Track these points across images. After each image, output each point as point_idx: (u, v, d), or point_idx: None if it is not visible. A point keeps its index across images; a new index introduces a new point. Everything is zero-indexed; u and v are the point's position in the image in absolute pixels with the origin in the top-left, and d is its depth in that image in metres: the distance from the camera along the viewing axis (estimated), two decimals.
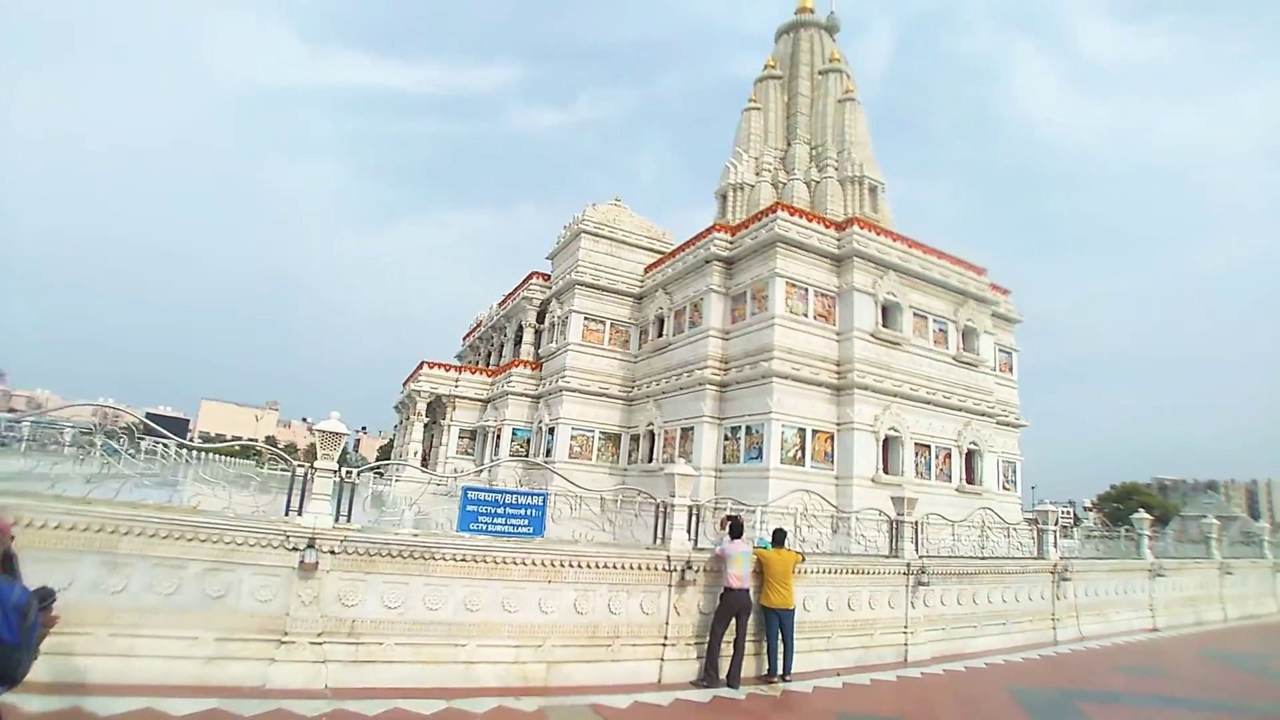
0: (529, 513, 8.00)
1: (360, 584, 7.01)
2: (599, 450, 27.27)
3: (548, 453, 27.15)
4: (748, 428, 21.77)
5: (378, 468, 15.15)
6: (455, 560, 7.35)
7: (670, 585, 8.47)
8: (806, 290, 22.75)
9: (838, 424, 21.99)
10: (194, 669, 6.30)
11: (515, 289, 35.31)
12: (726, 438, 22.75)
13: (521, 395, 29.82)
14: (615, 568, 8.17)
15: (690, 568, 8.54)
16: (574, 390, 27.14)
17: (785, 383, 21.26)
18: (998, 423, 26.02)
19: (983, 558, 12.18)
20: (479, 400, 32.57)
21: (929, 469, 22.73)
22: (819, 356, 22.33)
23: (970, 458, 23.94)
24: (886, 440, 21.98)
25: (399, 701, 6.41)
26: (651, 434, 25.84)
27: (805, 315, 22.54)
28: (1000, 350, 28.76)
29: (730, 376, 23.07)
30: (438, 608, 7.24)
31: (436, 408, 32.92)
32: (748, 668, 8.51)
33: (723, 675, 8.23)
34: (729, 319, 24.26)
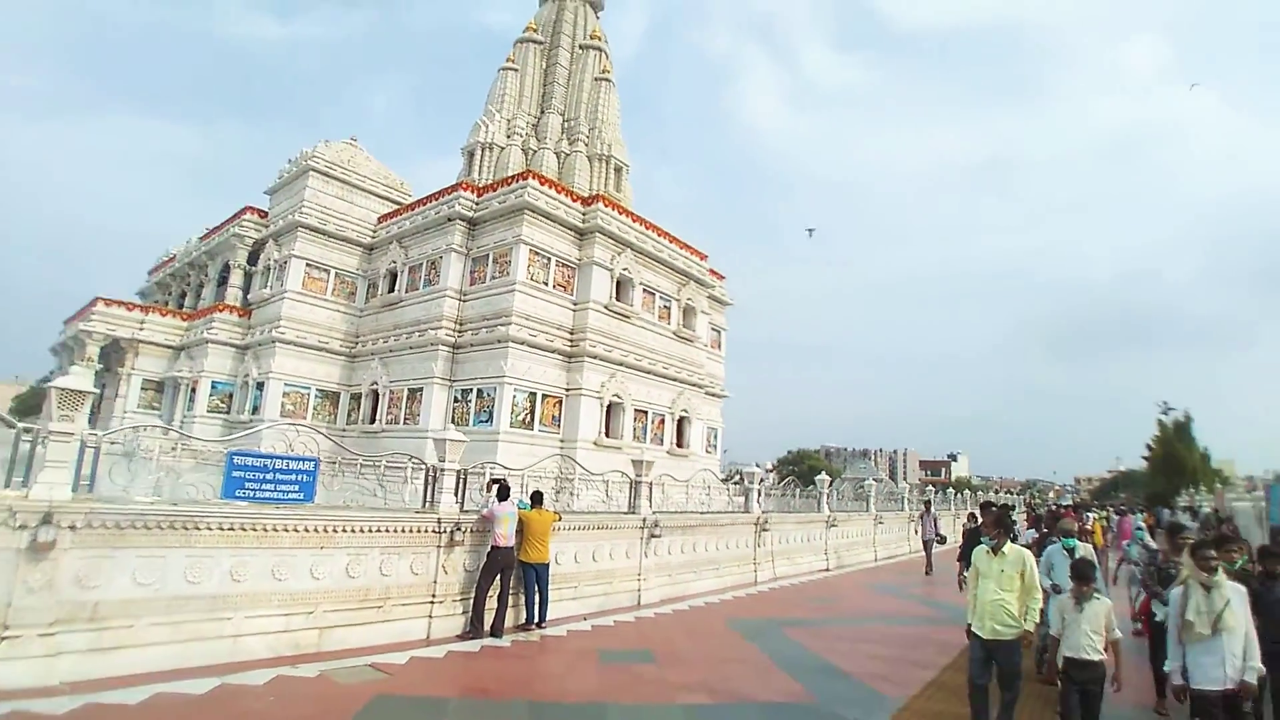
0: (299, 478, 7.75)
1: (106, 562, 6.30)
2: (315, 409, 25.40)
3: (254, 410, 24.65)
4: (480, 391, 21.85)
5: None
6: (222, 530, 6.94)
7: (440, 546, 8.79)
8: (549, 259, 23.29)
9: (567, 389, 22.99)
10: None
11: (223, 223, 31.00)
12: (457, 400, 22.63)
13: (225, 344, 26.56)
14: (388, 531, 8.29)
15: (459, 529, 8.93)
16: (289, 342, 24.91)
17: (521, 348, 21.68)
18: (706, 393, 29.13)
19: (702, 513, 13.93)
20: (169, 347, 28.24)
21: (645, 433, 24.76)
22: (555, 324, 23.07)
23: (681, 423, 26.51)
24: (610, 406, 23.50)
25: (162, 686, 6.00)
26: (376, 394, 24.73)
27: (546, 283, 23.09)
28: (713, 329, 32.05)
29: (465, 339, 22.91)
30: (200, 581, 6.80)
31: (113, 353, 27.98)
32: (507, 619, 9.10)
33: (487, 627, 8.78)
34: (468, 280, 23.97)
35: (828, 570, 17.62)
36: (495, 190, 24.39)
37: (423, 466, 9.42)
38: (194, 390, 26.06)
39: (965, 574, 7.62)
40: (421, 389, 22.99)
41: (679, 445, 26.04)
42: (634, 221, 25.76)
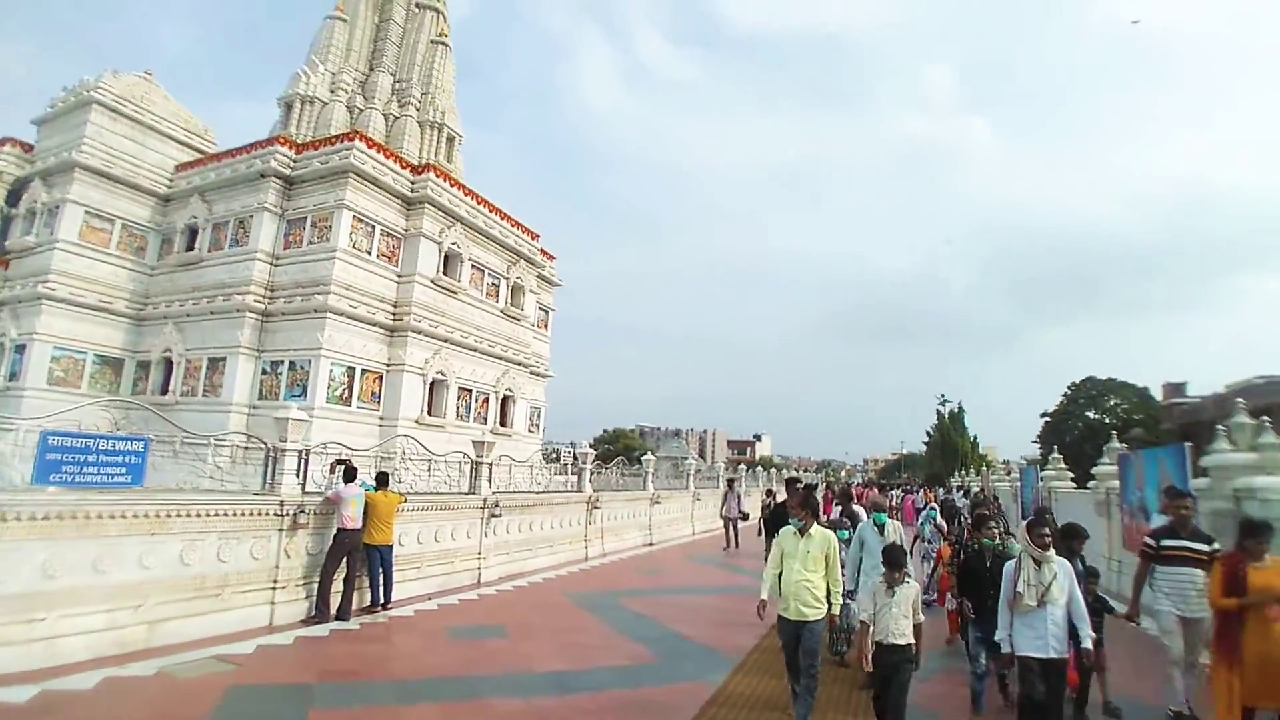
0: (127, 459, 7.24)
1: None
2: (93, 377, 22.40)
3: (12, 377, 21.36)
4: (293, 363, 20.58)
5: None
6: (34, 520, 6.29)
7: (282, 530, 8.53)
8: (374, 228, 22.33)
9: (388, 365, 22.29)
10: None
11: None
12: (265, 372, 21.13)
13: None
14: (227, 515, 7.93)
15: (303, 511, 8.71)
16: (61, 300, 21.73)
17: (340, 319, 20.69)
18: (531, 372, 29.36)
19: (538, 492, 14.42)
20: None
21: (469, 411, 24.62)
22: (378, 296, 22.22)
23: (505, 402, 26.60)
24: (434, 383, 23.11)
25: None
26: (169, 362, 22.38)
27: (369, 253, 22.14)
28: (540, 308, 32.27)
29: (278, 306, 21.38)
30: (4, 580, 6.15)
31: None
32: (352, 601, 9.04)
33: (334, 610, 8.68)
34: (282, 243, 22.31)
35: (651, 545, 18.72)
36: (317, 149, 22.83)
37: (262, 446, 9.03)
38: None
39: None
40: (225, 359, 21.12)
41: (503, 424, 26.12)
42: (466, 195, 25.30)
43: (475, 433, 24.09)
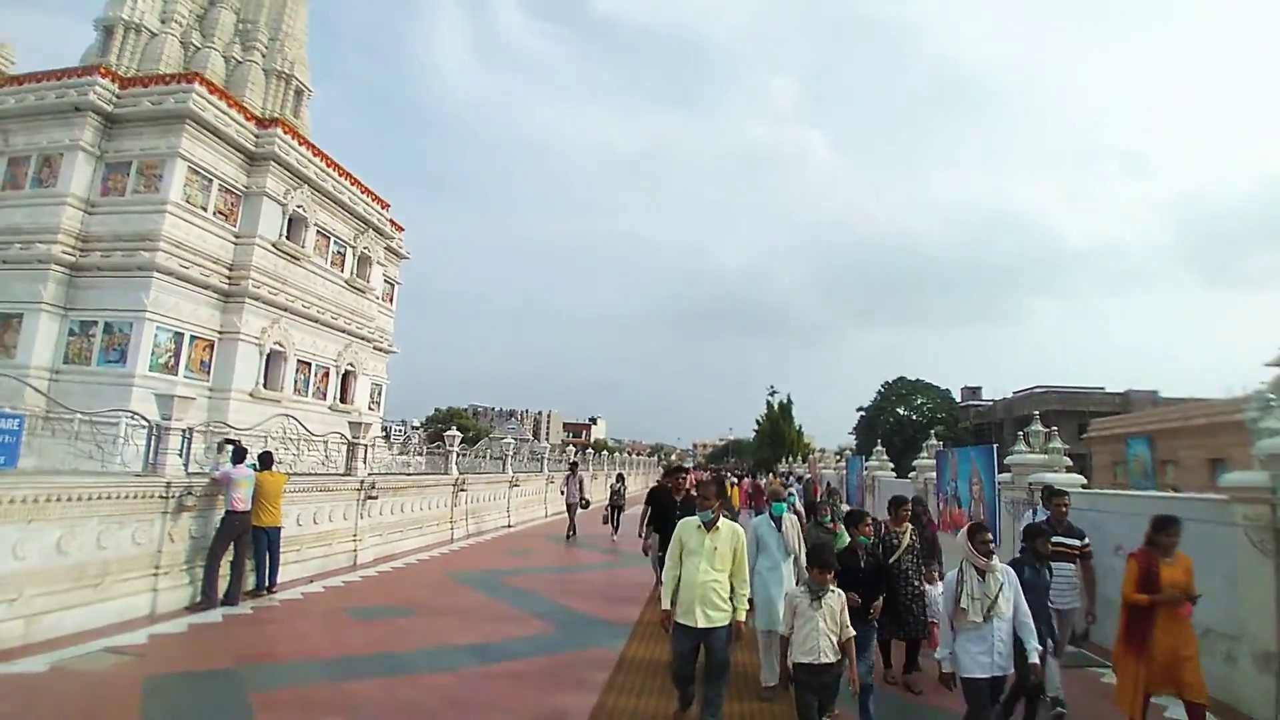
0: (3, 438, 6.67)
1: None
2: None
3: None
4: (109, 325, 18.56)
5: None
6: None
7: (166, 513, 8.19)
8: (211, 182, 20.56)
9: (221, 332, 20.73)
10: None
11: None
12: (74, 333, 18.82)
13: None
14: (111, 498, 7.48)
15: (191, 493, 8.40)
16: None
17: (169, 280, 18.91)
18: (375, 348, 28.36)
19: (409, 474, 14.53)
20: None
21: (307, 386, 23.48)
22: (212, 257, 20.54)
23: (346, 378, 25.56)
24: (271, 354, 21.79)
25: None
26: None
27: (205, 209, 20.38)
28: (386, 281, 31.14)
29: (92, 260, 19.05)
30: None
31: None
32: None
33: (221, 595, 8.46)
34: (99, 189, 19.88)
35: (510, 527, 19.21)
36: (148, 86, 20.49)
37: (145, 424, 8.49)
38: None
39: (649, 542, 8.51)
40: (21, 315, 18.50)
41: (343, 401, 25.07)
42: (315, 156, 23.87)
43: (314, 409, 23.17)
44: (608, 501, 19.31)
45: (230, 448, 9.06)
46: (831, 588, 4.73)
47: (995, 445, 11.47)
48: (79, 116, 19.91)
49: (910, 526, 6.94)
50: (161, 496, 8.15)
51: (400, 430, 33.25)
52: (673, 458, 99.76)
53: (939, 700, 5.94)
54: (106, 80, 20.42)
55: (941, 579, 5.64)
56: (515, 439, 28.81)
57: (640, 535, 9.13)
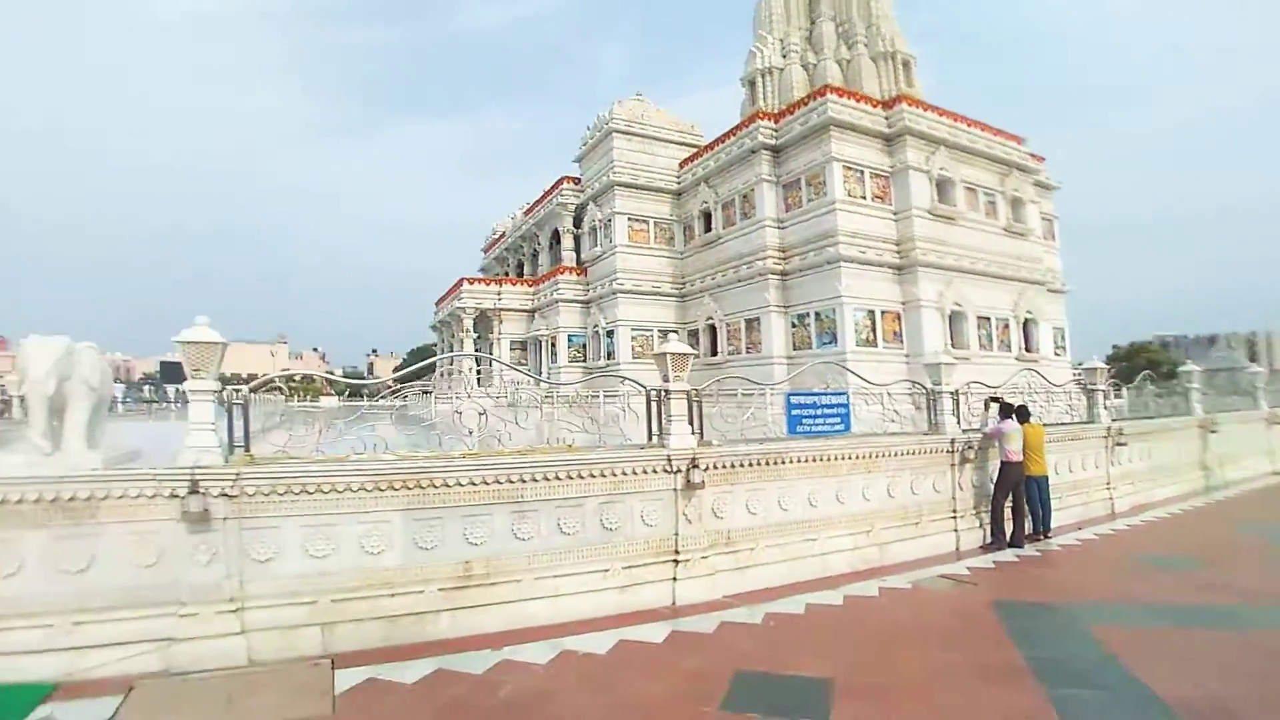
0: (839, 411, 8.57)
1: (727, 496, 7.41)
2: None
3: (609, 355, 27.50)
4: (817, 314, 22.15)
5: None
6: (799, 463, 7.85)
7: (953, 465, 9.24)
8: (862, 172, 22.64)
9: (903, 303, 22.41)
10: (612, 599, 6.58)
11: (543, 196, 34.53)
12: (795, 325, 23.18)
13: (571, 301, 29.77)
14: (913, 454, 8.84)
15: (969, 448, 9.36)
16: (627, 291, 27.22)
17: (853, 266, 21.51)
18: (1047, 290, 26.50)
19: (1150, 417, 13.23)
20: (524, 311, 32.45)
21: (990, 341, 23.40)
22: (880, 238, 22.48)
23: (1026, 326, 24.61)
24: (951, 315, 22.46)
25: (768, 605, 6.70)
26: (712, 328, 26.17)
27: (863, 198, 22.53)
28: (1043, 218, 29.01)
29: (793, 265, 23.23)
30: (790, 508, 7.78)
31: (480, 322, 33.01)
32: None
33: (1008, 538, 9.12)
34: (783, 207, 24.15)
35: (1276, 473, 15.63)
36: (793, 113, 24.01)
37: (923, 391, 9.86)
38: (553, 344, 29.79)
39: None
40: (758, 318, 23.87)
41: (1027, 350, 24.20)
42: (941, 116, 23.89)
43: (1000, 361, 22.82)
44: None
45: (995, 405, 9.76)
46: None
47: None
48: (755, 156, 24.48)
49: None
50: (948, 451, 9.23)
51: (1077, 375, 29.97)
52: None
53: None
54: (766, 121, 24.60)
55: None
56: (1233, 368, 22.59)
57: None
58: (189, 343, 5.67)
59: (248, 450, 6.06)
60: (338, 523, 5.88)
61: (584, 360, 29.22)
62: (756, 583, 7.22)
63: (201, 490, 5.42)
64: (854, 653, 5.58)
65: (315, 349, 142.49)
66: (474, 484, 6.24)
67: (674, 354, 7.27)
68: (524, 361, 31.64)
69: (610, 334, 27.58)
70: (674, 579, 6.85)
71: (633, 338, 27.17)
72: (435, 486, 6.14)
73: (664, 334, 27.52)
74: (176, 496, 5.41)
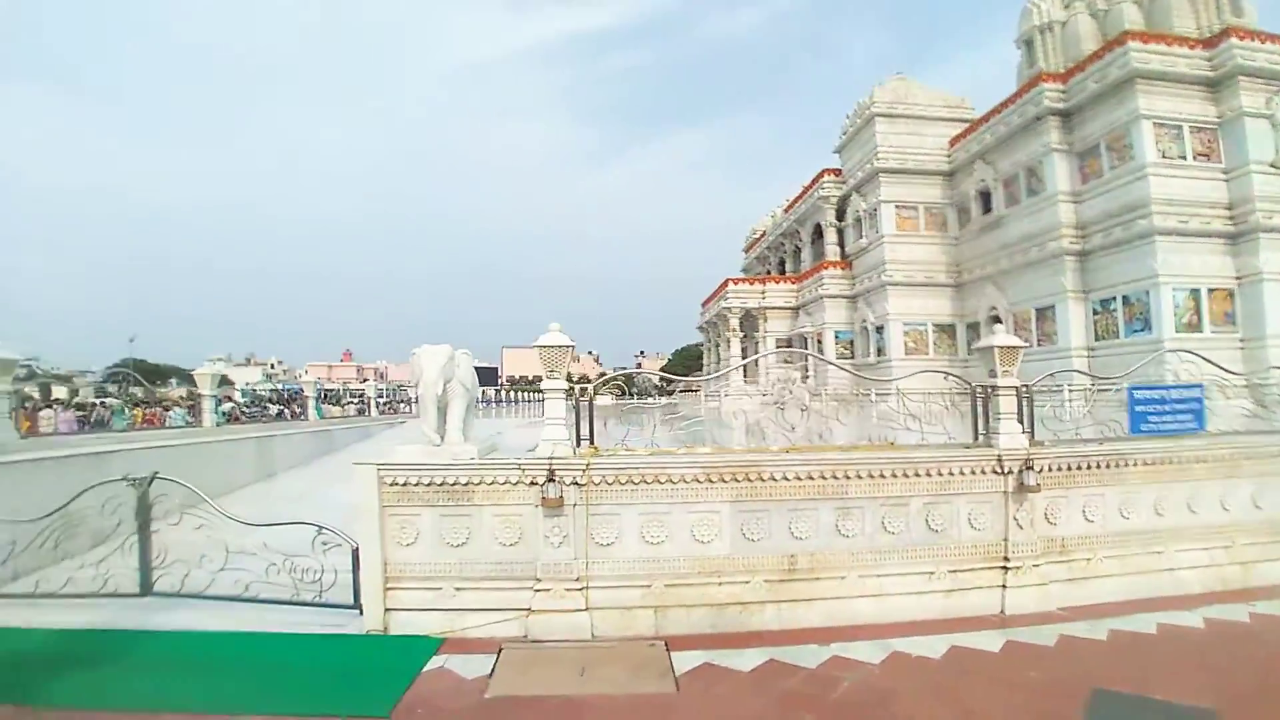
0: (1190, 406, 7.81)
1: (1062, 501, 7.07)
2: (935, 344, 26.40)
3: (879, 352, 26.94)
4: (1124, 298, 19.71)
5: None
6: (1144, 466, 7.31)
7: None
8: (1179, 128, 19.66)
9: (1238, 278, 19.10)
10: (937, 602, 6.60)
11: (803, 192, 34.65)
12: (1096, 312, 20.84)
13: (837, 297, 29.57)
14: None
15: None
16: (897, 283, 26.38)
17: (1169, 239, 18.82)
18: None
19: None
20: (788, 309, 32.91)
21: None
22: (1204, 202, 19.39)
23: None
24: None
25: (1110, 621, 6.33)
26: (995, 319, 24.40)
27: (1182, 158, 19.56)
28: None
29: (1094, 243, 20.88)
30: (1131, 515, 7.26)
31: (746, 321, 34.09)
32: None
33: None
34: (1078, 179, 21.76)
35: None
36: (1084, 70, 21.37)
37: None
38: (819, 341, 29.85)
39: None
40: (1051, 306, 21.82)
41: None
42: None
43: None
44: None
45: None
46: None
47: None
48: (1041, 124, 22.38)
49: None
50: None
51: None
52: None
53: None
54: (1052, 83, 22.30)
55: None
56: None
57: None
58: (546, 346, 6.55)
59: (592, 443, 6.93)
60: (671, 511, 6.53)
61: (851, 357, 28.81)
62: (1093, 596, 6.84)
63: (557, 478, 6.25)
64: (1233, 683, 5.18)
65: (590, 352, 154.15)
66: (799, 479, 6.59)
67: (1002, 347, 7.02)
68: (790, 360, 32.03)
69: (880, 329, 26.94)
70: (1003, 586, 6.72)
71: (905, 332, 26.30)
72: (762, 480, 6.57)
73: (938, 327, 26.43)
74: (535, 484, 6.28)
